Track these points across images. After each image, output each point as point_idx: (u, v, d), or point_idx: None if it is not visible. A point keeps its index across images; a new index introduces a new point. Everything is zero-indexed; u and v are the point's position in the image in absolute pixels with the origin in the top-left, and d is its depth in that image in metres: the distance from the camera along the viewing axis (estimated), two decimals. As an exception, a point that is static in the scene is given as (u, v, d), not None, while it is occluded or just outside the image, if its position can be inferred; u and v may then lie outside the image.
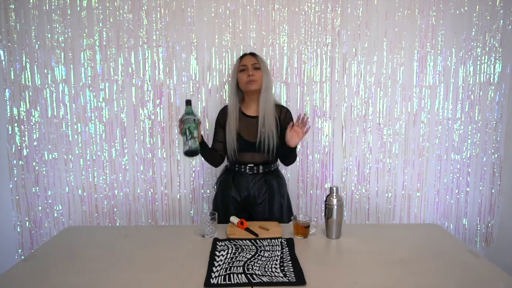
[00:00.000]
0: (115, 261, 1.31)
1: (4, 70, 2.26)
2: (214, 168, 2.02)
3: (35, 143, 2.31)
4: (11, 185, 2.34)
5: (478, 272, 1.23)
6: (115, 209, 2.38)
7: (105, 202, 2.37)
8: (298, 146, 2.31)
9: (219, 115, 1.90)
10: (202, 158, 2.31)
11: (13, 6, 2.21)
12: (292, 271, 1.20)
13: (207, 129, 2.31)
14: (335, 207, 1.47)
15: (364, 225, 2.31)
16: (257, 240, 1.46)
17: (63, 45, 2.25)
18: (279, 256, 1.32)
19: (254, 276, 1.17)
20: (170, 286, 1.14)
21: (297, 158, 1.89)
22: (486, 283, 1.17)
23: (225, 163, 1.94)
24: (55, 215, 2.38)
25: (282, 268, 1.23)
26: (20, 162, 2.32)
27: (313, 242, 1.47)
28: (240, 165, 1.83)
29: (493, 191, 2.43)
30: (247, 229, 1.54)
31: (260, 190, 1.82)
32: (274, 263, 1.27)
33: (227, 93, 2.29)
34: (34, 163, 2.33)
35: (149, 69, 2.28)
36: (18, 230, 2.38)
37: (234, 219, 1.60)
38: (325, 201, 1.50)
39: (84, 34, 2.24)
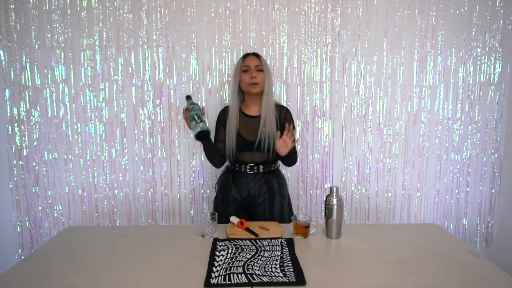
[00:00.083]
0: (115, 261, 1.31)
1: (4, 70, 2.26)
2: (214, 168, 2.02)
3: (35, 143, 2.31)
4: (11, 185, 2.34)
5: (478, 272, 1.23)
6: (115, 209, 2.38)
7: (105, 202, 2.37)
8: (298, 146, 2.31)
9: (220, 115, 1.90)
10: (203, 157, 2.33)
11: (13, 6, 2.21)
12: (292, 271, 1.20)
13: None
14: (335, 207, 1.47)
15: (364, 225, 2.31)
16: (257, 240, 1.46)
17: (63, 45, 2.25)
18: (279, 256, 1.32)
19: (254, 276, 1.17)
20: (170, 286, 1.15)
21: (298, 159, 1.88)
22: (486, 283, 1.17)
23: (226, 163, 1.94)
24: (55, 215, 2.38)
25: (282, 268, 1.23)
26: (20, 162, 2.32)
27: (313, 242, 1.47)
28: (241, 165, 1.83)
29: (493, 191, 2.43)
30: (247, 229, 1.54)
31: (260, 190, 1.82)
32: (274, 263, 1.27)
33: (227, 93, 2.29)
34: (34, 163, 2.33)
35: (149, 69, 2.28)
36: (18, 230, 2.38)
37: (234, 219, 1.60)
38: (325, 201, 1.50)
39: (84, 34, 2.24)
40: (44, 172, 2.33)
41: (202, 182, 2.37)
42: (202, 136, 1.64)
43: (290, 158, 1.82)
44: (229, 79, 2.27)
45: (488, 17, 2.28)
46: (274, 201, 1.81)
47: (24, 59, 2.25)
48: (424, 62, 2.32)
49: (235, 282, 1.14)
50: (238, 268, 1.23)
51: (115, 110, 2.30)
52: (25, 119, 2.30)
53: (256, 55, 1.82)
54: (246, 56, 1.82)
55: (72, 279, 1.18)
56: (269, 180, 1.83)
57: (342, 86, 2.32)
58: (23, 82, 2.27)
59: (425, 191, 2.42)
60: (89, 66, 2.27)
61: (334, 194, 1.49)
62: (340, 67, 2.30)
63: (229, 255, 1.33)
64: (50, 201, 2.36)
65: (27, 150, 2.32)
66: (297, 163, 1.90)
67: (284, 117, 1.83)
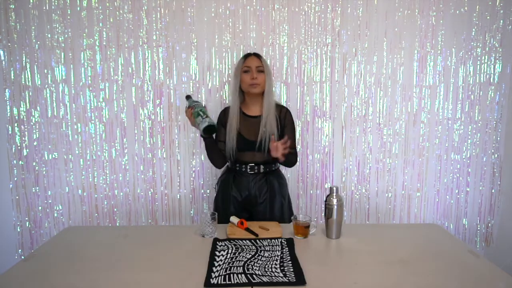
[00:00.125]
0: (115, 261, 1.31)
1: (4, 70, 2.26)
2: (214, 168, 2.02)
3: (35, 143, 2.31)
4: (11, 185, 2.35)
5: (478, 272, 1.23)
6: (115, 209, 2.38)
7: (105, 202, 2.37)
8: (298, 146, 2.31)
9: (220, 115, 1.90)
10: (203, 157, 2.33)
11: (13, 6, 2.21)
12: (292, 271, 1.20)
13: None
14: (335, 207, 1.47)
15: (364, 225, 2.31)
16: (257, 240, 1.46)
17: (63, 45, 2.25)
18: (279, 256, 1.32)
19: (254, 276, 1.17)
20: (170, 286, 1.15)
21: (298, 159, 1.88)
22: (486, 283, 1.17)
23: (227, 163, 1.94)
24: (55, 215, 2.38)
25: (282, 268, 1.23)
26: (20, 162, 2.32)
27: (313, 242, 1.47)
28: (241, 165, 1.83)
29: (493, 191, 2.43)
30: (247, 229, 1.54)
31: (261, 190, 1.82)
32: (274, 263, 1.27)
33: (227, 93, 2.29)
34: (34, 163, 2.33)
35: (149, 69, 2.28)
36: (18, 230, 2.38)
37: (234, 219, 1.60)
38: (325, 201, 1.50)
39: (84, 34, 2.24)
40: (44, 172, 2.34)
41: (202, 182, 2.37)
42: (209, 130, 1.64)
43: (288, 160, 1.82)
44: (229, 79, 2.27)
45: (488, 17, 2.28)
46: (274, 201, 1.81)
47: (24, 59, 2.25)
48: (424, 62, 2.32)
49: (235, 282, 1.14)
50: (238, 268, 1.23)
51: (115, 110, 2.30)
52: (25, 119, 2.30)
53: (257, 55, 1.82)
54: (247, 56, 1.82)
55: (72, 279, 1.18)
56: (269, 180, 1.83)
57: (342, 86, 2.32)
58: (23, 82, 2.27)
59: (425, 191, 2.42)
60: (89, 66, 2.27)
61: (334, 194, 1.49)
62: (340, 67, 2.30)
63: (229, 255, 1.33)
64: (50, 201, 2.36)
65: (27, 150, 2.32)
66: (297, 163, 1.90)
67: (284, 117, 1.83)
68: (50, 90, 2.28)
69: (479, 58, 2.32)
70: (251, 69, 1.76)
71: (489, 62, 2.33)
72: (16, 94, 2.27)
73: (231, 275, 1.18)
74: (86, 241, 1.50)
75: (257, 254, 1.33)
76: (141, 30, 2.25)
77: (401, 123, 2.36)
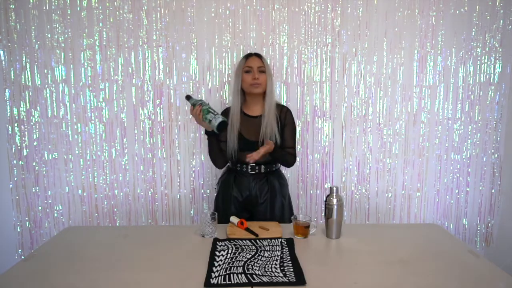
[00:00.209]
0: (115, 261, 1.31)
1: (4, 70, 2.26)
2: (214, 168, 2.02)
3: (35, 143, 2.31)
4: (11, 185, 2.34)
5: (478, 272, 1.23)
6: (115, 209, 2.38)
7: (105, 202, 2.37)
8: (298, 146, 2.31)
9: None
10: (203, 157, 2.33)
11: (13, 6, 2.21)
12: (292, 271, 1.20)
13: (207, 129, 2.31)
14: (335, 207, 1.47)
15: (364, 225, 2.31)
16: (257, 240, 1.46)
17: (63, 45, 2.25)
18: (279, 256, 1.32)
19: (254, 276, 1.17)
20: (170, 286, 1.15)
21: (296, 160, 1.88)
22: (486, 283, 1.17)
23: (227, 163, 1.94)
24: (55, 215, 2.38)
25: (282, 268, 1.23)
26: (20, 162, 2.32)
27: (313, 242, 1.47)
28: (242, 165, 1.83)
29: (493, 191, 2.43)
30: (247, 229, 1.54)
31: (261, 190, 1.82)
32: (274, 263, 1.27)
33: (227, 93, 2.29)
34: (34, 163, 2.33)
35: (149, 69, 2.28)
36: (18, 230, 2.38)
37: (234, 219, 1.60)
38: (325, 201, 1.50)
39: (84, 34, 2.24)
40: (44, 172, 2.33)
41: (202, 182, 2.37)
42: (222, 126, 1.64)
43: (281, 159, 1.83)
44: (229, 79, 2.27)
45: (488, 17, 2.28)
46: (275, 201, 1.81)
47: (24, 59, 2.25)
48: (424, 62, 2.32)
49: (235, 282, 1.14)
50: (238, 268, 1.23)
51: (115, 110, 2.30)
52: (25, 119, 2.30)
53: (258, 55, 1.82)
54: (248, 56, 1.82)
55: (72, 279, 1.18)
56: (270, 180, 1.83)
57: (342, 86, 2.32)
58: (23, 82, 2.27)
59: (425, 191, 2.42)
60: (89, 66, 2.27)
61: (334, 194, 1.49)
62: (340, 67, 2.30)
63: (229, 255, 1.33)
64: (50, 201, 2.36)
65: (27, 150, 2.32)
66: (297, 163, 1.90)
67: (284, 117, 1.83)
68: (50, 90, 2.28)
69: (479, 58, 2.32)
70: (253, 69, 1.77)
71: (489, 62, 2.33)
72: (16, 94, 2.27)
73: (231, 275, 1.18)
74: (86, 241, 1.50)
75: (257, 254, 1.33)
76: (141, 30, 2.25)
77: (401, 123, 2.36)
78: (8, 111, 2.29)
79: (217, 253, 1.34)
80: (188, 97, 1.74)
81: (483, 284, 1.17)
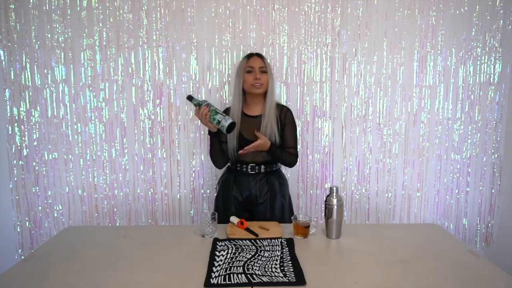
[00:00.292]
0: (115, 261, 1.31)
1: (4, 70, 2.26)
2: (214, 168, 2.02)
3: (35, 143, 2.31)
4: (11, 185, 2.34)
5: (478, 272, 1.23)
6: (115, 209, 2.38)
7: (105, 202, 2.37)
8: (298, 146, 2.31)
9: None
10: (203, 157, 2.33)
11: (13, 6, 2.21)
12: (292, 271, 1.20)
13: (207, 128, 2.30)
14: (335, 207, 1.47)
15: (364, 225, 2.31)
16: (257, 240, 1.46)
17: (63, 45, 2.25)
18: (279, 256, 1.32)
19: (254, 276, 1.17)
20: (170, 286, 1.15)
21: (296, 160, 1.88)
22: (486, 283, 1.17)
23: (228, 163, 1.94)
24: (55, 215, 2.38)
25: (282, 268, 1.23)
26: (20, 162, 2.32)
27: (313, 242, 1.47)
28: (242, 165, 1.83)
29: (493, 191, 2.43)
30: (247, 229, 1.54)
31: (261, 190, 1.82)
32: (274, 263, 1.27)
33: (227, 93, 2.29)
34: (34, 163, 2.33)
35: (149, 69, 2.28)
36: (18, 230, 2.38)
37: (234, 219, 1.60)
38: (325, 201, 1.50)
39: (84, 34, 2.24)
40: (44, 172, 2.33)
41: (202, 182, 2.37)
42: (232, 127, 1.65)
43: (281, 159, 1.83)
44: (229, 79, 2.27)
45: (488, 17, 2.28)
46: (275, 201, 1.81)
47: (24, 59, 2.25)
48: (424, 62, 2.32)
49: (235, 282, 1.14)
50: (238, 268, 1.23)
51: (115, 110, 2.30)
52: (25, 119, 2.30)
53: (259, 56, 1.82)
54: (249, 56, 1.82)
55: (72, 279, 1.18)
56: (270, 180, 1.83)
57: (342, 86, 2.32)
58: (23, 82, 2.27)
59: (425, 191, 2.42)
60: (89, 66, 2.27)
61: (334, 194, 1.49)
62: (340, 67, 2.30)
63: (229, 255, 1.33)
64: (50, 201, 2.36)
65: (27, 150, 2.32)
66: (297, 163, 1.90)
67: (284, 117, 1.83)
68: (50, 90, 2.28)
69: (479, 58, 2.32)
70: (254, 69, 1.77)
71: (489, 62, 2.33)
72: (16, 94, 2.27)
73: (231, 275, 1.18)
74: (86, 241, 1.50)
75: (257, 254, 1.33)
76: (141, 30, 2.25)
77: (401, 123, 2.36)
78: (8, 111, 2.29)
79: (217, 253, 1.34)
80: (190, 98, 1.73)
81: (483, 284, 1.17)
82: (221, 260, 1.29)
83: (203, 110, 1.66)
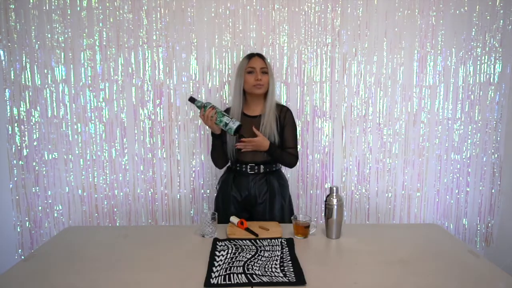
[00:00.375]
0: (115, 261, 1.31)
1: (4, 70, 2.26)
2: (214, 168, 2.02)
3: (35, 143, 2.31)
4: (11, 185, 2.34)
5: (478, 272, 1.23)
6: (115, 209, 2.38)
7: (105, 202, 2.37)
8: (298, 146, 2.31)
9: None
10: (203, 157, 2.33)
11: (13, 6, 2.21)
12: (292, 271, 1.20)
13: (207, 129, 2.31)
14: (335, 207, 1.47)
15: (364, 225, 2.31)
16: (257, 240, 1.46)
17: (63, 45, 2.25)
18: (279, 256, 1.32)
19: (254, 276, 1.17)
20: (170, 286, 1.15)
21: (296, 161, 1.87)
22: (486, 283, 1.17)
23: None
24: (55, 215, 2.38)
25: (282, 268, 1.23)
26: (20, 162, 2.32)
27: (313, 242, 1.47)
28: (241, 165, 1.83)
29: (493, 191, 2.43)
30: (247, 229, 1.54)
31: (260, 190, 1.82)
32: (274, 263, 1.27)
33: (227, 93, 2.29)
34: (34, 163, 2.33)
35: (149, 69, 2.28)
36: (18, 230, 2.38)
37: (234, 219, 1.60)
38: (325, 201, 1.50)
39: (84, 34, 2.24)
40: (44, 172, 2.33)
41: (202, 182, 2.37)
42: (239, 129, 1.67)
43: (280, 159, 1.82)
44: (229, 79, 2.27)
45: (488, 17, 2.28)
46: (274, 202, 1.81)
47: (24, 59, 2.25)
48: (424, 62, 2.32)
49: (235, 282, 1.14)
50: (238, 268, 1.23)
51: (115, 110, 2.30)
52: (25, 119, 2.30)
53: (260, 56, 1.82)
54: (250, 56, 1.82)
55: (72, 279, 1.18)
56: (269, 180, 1.83)
57: (342, 86, 2.32)
58: (23, 82, 2.27)
59: (425, 191, 2.42)
60: (89, 66, 2.27)
61: (334, 194, 1.49)
62: (340, 67, 2.30)
63: (229, 255, 1.33)
64: (50, 201, 2.36)
65: (27, 150, 2.32)
66: (297, 163, 1.90)
67: (284, 117, 1.83)
68: (50, 90, 2.28)
69: (479, 58, 2.32)
70: (256, 70, 1.77)
71: (489, 62, 2.33)
72: (16, 94, 2.27)
73: (231, 275, 1.18)
74: (86, 241, 1.50)
75: (257, 254, 1.33)
76: (141, 30, 2.25)
77: (401, 123, 2.36)
78: (8, 111, 2.29)
79: (217, 253, 1.34)
80: (193, 99, 1.72)
81: (483, 284, 1.17)
82: (221, 260, 1.29)
83: (208, 112, 1.66)
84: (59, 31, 2.24)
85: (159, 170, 2.35)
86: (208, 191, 2.38)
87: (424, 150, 2.38)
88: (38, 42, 2.24)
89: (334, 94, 2.32)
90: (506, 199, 2.40)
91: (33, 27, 2.23)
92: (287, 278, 1.16)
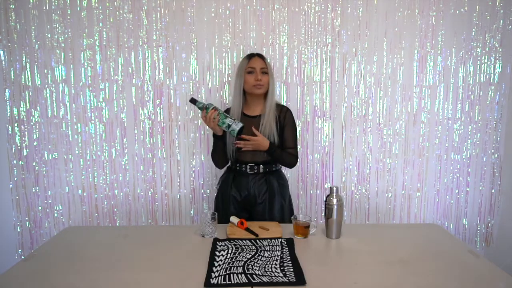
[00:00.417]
0: (115, 261, 1.31)
1: (4, 70, 2.26)
2: (214, 168, 2.02)
3: (35, 143, 2.31)
4: (11, 185, 2.34)
5: (478, 272, 1.23)
6: (115, 209, 2.38)
7: (105, 202, 2.37)
8: (298, 146, 2.31)
9: None
10: (203, 157, 2.33)
11: (13, 6, 2.21)
12: (292, 271, 1.20)
13: (207, 129, 2.31)
14: (335, 207, 1.47)
15: (364, 225, 2.31)
16: (257, 240, 1.46)
17: (63, 45, 2.25)
18: (279, 256, 1.32)
19: (254, 276, 1.17)
20: (170, 286, 1.15)
21: (297, 161, 1.87)
22: (486, 283, 1.17)
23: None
24: (55, 215, 2.38)
25: (282, 268, 1.23)
26: (20, 162, 2.32)
27: (313, 242, 1.47)
28: (241, 164, 1.83)
29: (493, 191, 2.43)
30: (247, 229, 1.54)
31: (260, 190, 1.82)
32: (274, 263, 1.27)
33: (227, 93, 2.29)
34: (34, 163, 2.33)
35: (149, 69, 2.28)
36: (18, 230, 2.38)
37: (234, 219, 1.60)
38: (325, 201, 1.50)
39: (84, 34, 2.24)
40: (44, 172, 2.33)
41: (202, 182, 2.37)
42: (242, 131, 1.67)
43: (280, 159, 1.82)
44: (229, 79, 2.27)
45: (488, 17, 2.28)
46: (274, 202, 1.81)
47: (24, 59, 2.25)
48: (424, 62, 2.32)
49: (235, 282, 1.14)
50: (238, 268, 1.23)
51: (115, 110, 2.30)
52: (25, 119, 2.30)
53: (260, 56, 1.82)
54: (250, 56, 1.82)
55: (72, 279, 1.18)
56: (269, 180, 1.83)
57: (342, 86, 2.32)
58: (23, 82, 2.27)
59: (425, 191, 2.42)
60: (89, 66, 2.27)
61: (334, 194, 1.49)
62: (340, 67, 2.30)
63: (229, 255, 1.33)
64: (50, 201, 2.36)
65: (27, 150, 2.32)
66: (297, 162, 1.89)
67: (284, 117, 1.83)
68: (50, 90, 2.28)
69: (479, 58, 2.32)
70: (256, 70, 1.77)
71: (489, 62, 2.33)
72: (16, 94, 2.27)
73: (231, 275, 1.18)
74: (86, 241, 1.50)
75: (257, 254, 1.33)
76: (141, 30, 2.25)
77: (401, 123, 2.36)
78: (8, 111, 2.29)
79: (217, 253, 1.34)
80: (194, 101, 1.72)
81: (483, 284, 1.17)
82: (221, 260, 1.29)
83: (211, 113, 1.66)
84: (59, 31, 2.24)
85: (159, 170, 2.35)
86: (208, 191, 2.38)
87: (424, 150, 2.38)
88: (38, 42, 2.24)
89: (334, 94, 2.32)
90: (506, 199, 2.40)
91: (33, 27, 2.23)
92: (287, 278, 1.16)
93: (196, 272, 1.20)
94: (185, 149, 2.34)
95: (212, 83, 2.29)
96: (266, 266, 1.24)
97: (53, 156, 2.33)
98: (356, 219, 2.44)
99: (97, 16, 2.23)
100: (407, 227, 1.99)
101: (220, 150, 1.82)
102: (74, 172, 2.34)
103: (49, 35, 2.24)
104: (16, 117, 2.29)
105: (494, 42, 2.31)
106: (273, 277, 1.16)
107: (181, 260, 1.31)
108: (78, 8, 2.22)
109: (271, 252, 1.36)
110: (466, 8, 2.27)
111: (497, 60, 2.32)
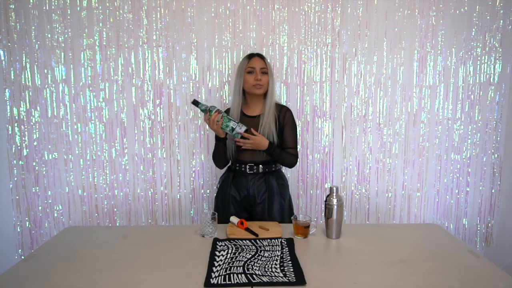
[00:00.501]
0: (115, 261, 1.31)
1: (4, 70, 2.26)
2: (214, 168, 2.02)
3: (35, 143, 2.31)
4: (11, 185, 2.34)
5: (478, 272, 1.23)
6: (115, 209, 2.38)
7: (105, 202, 2.37)
8: (298, 146, 2.31)
9: None
10: (203, 157, 2.33)
11: (13, 6, 2.21)
12: (292, 271, 1.20)
13: (207, 129, 2.31)
14: (335, 207, 1.47)
15: (364, 225, 2.31)
16: (257, 240, 1.46)
17: (63, 45, 2.25)
18: (279, 256, 1.32)
19: (254, 276, 1.17)
20: (170, 286, 1.15)
21: (297, 161, 1.87)
22: (486, 283, 1.17)
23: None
24: (55, 215, 2.38)
25: (282, 268, 1.23)
26: (20, 162, 2.32)
27: (313, 242, 1.47)
28: (241, 164, 1.83)
29: (493, 191, 2.43)
30: (247, 229, 1.54)
31: (259, 190, 1.82)
32: (274, 263, 1.27)
33: (227, 93, 2.29)
34: (34, 163, 2.33)
35: (149, 69, 2.28)
36: (18, 230, 2.38)
37: (234, 219, 1.60)
38: (325, 201, 1.50)
39: (84, 34, 2.24)
40: (44, 172, 2.33)
41: (202, 182, 2.37)
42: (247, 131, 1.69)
43: (280, 159, 1.82)
44: (229, 79, 2.27)
45: (488, 17, 2.28)
46: (273, 202, 1.81)
47: (24, 59, 2.25)
48: (424, 62, 2.32)
49: (235, 282, 1.14)
50: (238, 268, 1.23)
51: (115, 110, 2.30)
52: (25, 119, 2.30)
53: (260, 56, 1.82)
54: (250, 56, 1.82)
55: (72, 279, 1.18)
56: (268, 180, 1.83)
57: (342, 86, 2.32)
58: (23, 82, 2.27)
59: (425, 191, 2.42)
60: (89, 66, 2.27)
61: (334, 194, 1.49)
62: (340, 67, 2.30)
63: (229, 255, 1.33)
64: (50, 201, 2.36)
65: (27, 150, 2.32)
66: (297, 162, 1.90)
67: (284, 117, 1.83)
68: (50, 90, 2.28)
69: (479, 58, 2.32)
70: (255, 70, 1.77)
71: (489, 62, 2.33)
72: (16, 94, 2.27)
73: (231, 275, 1.18)
74: (86, 241, 1.50)
75: (257, 254, 1.33)
76: (141, 30, 2.25)
77: (401, 123, 2.36)
78: (8, 111, 2.29)
79: (217, 253, 1.34)
80: (196, 102, 1.72)
81: (483, 284, 1.17)
82: (221, 260, 1.29)
83: (214, 116, 1.66)
84: (59, 31, 2.24)
85: (159, 170, 2.35)
86: (208, 191, 2.38)
87: (424, 150, 2.38)
88: (38, 42, 2.24)
89: (334, 94, 2.32)
90: (506, 199, 2.40)
91: (33, 27, 2.23)
92: (287, 278, 1.16)
93: (196, 272, 1.20)
94: (185, 149, 2.34)
95: (212, 83, 2.29)
96: (266, 266, 1.24)
97: (53, 156, 2.33)
98: (356, 219, 2.44)
99: (97, 16, 2.23)
100: (407, 227, 1.98)
101: (221, 152, 1.83)
102: (74, 172, 2.34)
103: (49, 35, 2.24)
104: (16, 117, 2.29)
105: (494, 42, 2.31)
106: (273, 277, 1.16)
107: (181, 260, 1.31)
108: (78, 8, 2.22)
109: (271, 252, 1.36)
110: (466, 8, 2.27)
111: (497, 60, 2.32)
